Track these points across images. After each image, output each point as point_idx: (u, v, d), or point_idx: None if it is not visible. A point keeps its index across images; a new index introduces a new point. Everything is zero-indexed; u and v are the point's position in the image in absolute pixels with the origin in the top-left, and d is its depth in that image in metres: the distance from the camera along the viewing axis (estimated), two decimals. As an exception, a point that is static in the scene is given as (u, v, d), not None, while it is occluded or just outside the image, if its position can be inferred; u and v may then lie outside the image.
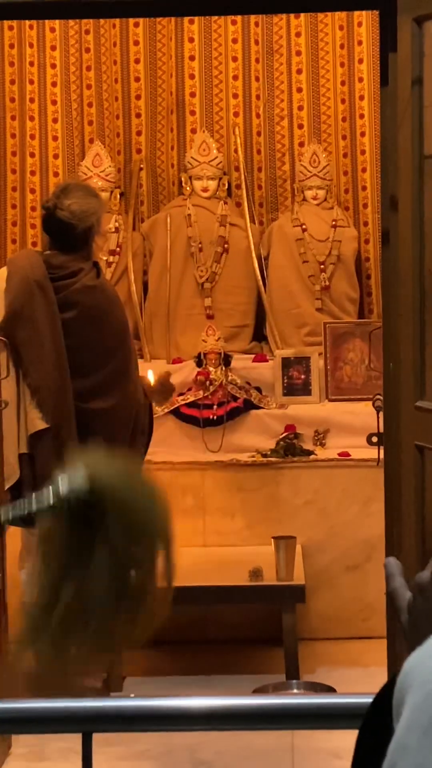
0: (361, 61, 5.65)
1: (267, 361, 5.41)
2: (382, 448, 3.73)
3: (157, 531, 1.41)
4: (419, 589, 0.94)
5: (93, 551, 1.37)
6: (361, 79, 5.66)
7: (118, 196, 5.67)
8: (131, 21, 5.67)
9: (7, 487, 3.91)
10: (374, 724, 0.92)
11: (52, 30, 5.72)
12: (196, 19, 5.64)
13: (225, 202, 5.64)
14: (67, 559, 1.39)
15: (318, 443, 5.08)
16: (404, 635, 0.97)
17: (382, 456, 3.71)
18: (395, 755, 0.78)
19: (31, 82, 5.76)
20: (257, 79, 5.73)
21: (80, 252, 4.07)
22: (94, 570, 1.37)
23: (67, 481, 1.35)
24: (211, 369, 5.23)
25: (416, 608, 0.94)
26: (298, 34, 5.70)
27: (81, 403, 3.99)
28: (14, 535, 4.08)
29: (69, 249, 4.05)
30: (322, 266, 5.57)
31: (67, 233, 4.03)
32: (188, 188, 5.64)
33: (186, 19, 5.62)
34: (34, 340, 3.96)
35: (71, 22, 5.67)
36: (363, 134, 5.67)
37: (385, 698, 0.91)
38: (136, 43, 5.75)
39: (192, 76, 5.74)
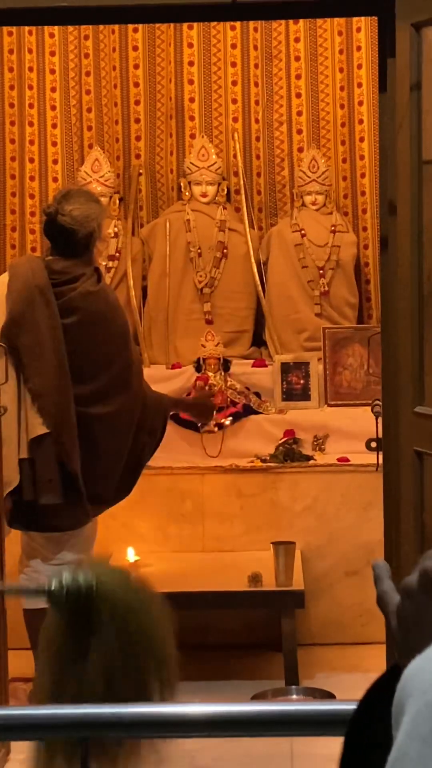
0: (360, 66, 5.66)
1: (266, 366, 5.41)
2: (381, 453, 3.72)
3: (153, 648, 1.53)
4: (406, 593, 0.94)
5: (88, 651, 1.51)
6: (360, 85, 5.67)
7: (117, 201, 5.67)
8: (130, 26, 5.67)
9: (7, 492, 3.91)
10: (361, 723, 0.91)
11: (52, 35, 5.73)
12: (195, 24, 5.65)
13: (224, 207, 5.64)
14: (66, 655, 1.54)
15: (317, 448, 5.08)
16: (394, 640, 0.97)
17: (381, 461, 3.71)
18: (395, 764, 0.77)
19: (31, 87, 5.77)
20: (256, 84, 5.74)
21: (81, 257, 4.07)
22: (90, 669, 1.52)
23: (74, 576, 1.48)
24: (210, 374, 5.22)
25: (405, 613, 0.94)
26: (297, 40, 5.71)
27: (82, 408, 3.99)
28: (14, 540, 4.08)
29: (70, 254, 4.06)
30: (321, 271, 5.57)
31: (69, 239, 4.03)
32: (187, 193, 5.64)
33: (185, 24, 5.63)
34: (36, 345, 3.96)
35: (70, 28, 5.67)
36: (362, 139, 5.67)
37: (374, 697, 0.90)
38: (135, 48, 5.76)
39: (191, 82, 5.75)
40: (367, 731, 0.89)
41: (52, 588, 1.52)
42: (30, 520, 4.01)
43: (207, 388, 5.19)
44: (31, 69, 5.76)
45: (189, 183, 5.64)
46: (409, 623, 0.92)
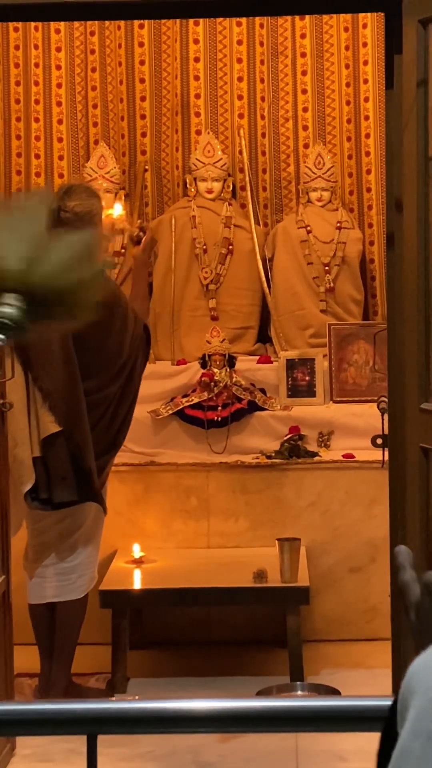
0: (366, 62, 5.65)
1: (271, 362, 5.41)
2: (386, 450, 3.72)
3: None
4: (427, 589, 0.93)
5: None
6: (366, 81, 5.66)
7: (123, 197, 5.67)
8: (136, 23, 5.67)
9: (26, 490, 3.94)
10: (391, 728, 0.91)
11: (57, 31, 5.73)
12: (201, 20, 5.64)
13: (229, 204, 5.64)
14: None
15: (322, 445, 5.08)
16: (411, 634, 0.96)
17: (386, 458, 3.71)
18: (399, 760, 0.77)
19: (36, 83, 5.77)
20: (262, 80, 5.73)
21: (83, 253, 4.07)
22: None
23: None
24: (215, 370, 5.23)
25: (423, 608, 0.93)
26: (303, 36, 5.70)
27: (89, 397, 4.02)
28: (19, 537, 4.08)
29: None
30: (326, 268, 5.56)
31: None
32: (193, 190, 5.64)
33: (191, 20, 5.63)
34: (43, 343, 3.97)
35: (76, 24, 5.67)
36: (368, 136, 5.67)
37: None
38: (141, 44, 5.76)
39: (197, 78, 5.74)
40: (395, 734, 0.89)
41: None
42: (46, 499, 4.02)
43: (212, 384, 5.17)
44: (36, 65, 5.76)
45: (194, 179, 5.64)
46: (427, 619, 0.92)
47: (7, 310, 1.48)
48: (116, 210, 4.62)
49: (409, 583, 0.97)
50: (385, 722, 0.91)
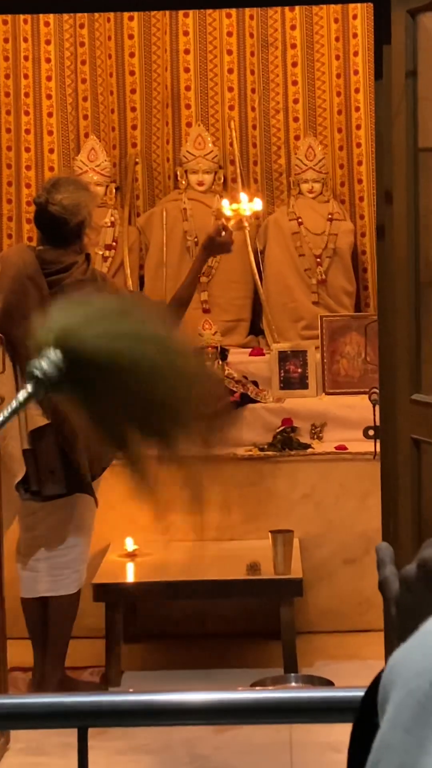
0: (356, 53, 5.64)
1: (264, 355, 5.41)
2: (378, 441, 3.72)
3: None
4: (406, 583, 0.93)
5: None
6: (356, 72, 5.65)
7: (114, 190, 5.67)
8: (126, 15, 5.66)
9: (15, 482, 3.94)
10: (365, 720, 0.91)
11: (47, 24, 5.72)
12: (190, 12, 5.63)
13: (221, 196, 5.63)
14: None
15: (315, 437, 5.08)
16: (392, 629, 0.96)
17: (378, 449, 3.71)
18: (378, 753, 0.77)
19: (26, 76, 5.75)
20: (252, 72, 5.72)
21: (72, 246, 4.06)
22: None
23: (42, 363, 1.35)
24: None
25: (404, 602, 0.93)
26: (293, 27, 5.69)
27: None
28: (12, 531, 4.08)
29: (62, 243, 4.05)
30: (318, 260, 5.56)
31: (60, 228, 4.02)
32: (184, 182, 5.63)
33: (180, 12, 5.61)
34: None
35: (65, 17, 5.65)
36: (359, 127, 5.66)
37: (373, 694, 0.90)
38: (131, 36, 5.74)
39: (187, 70, 5.73)
40: (370, 726, 0.89)
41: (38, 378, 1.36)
42: (37, 491, 4.03)
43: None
44: (26, 58, 5.74)
45: (185, 171, 5.63)
46: (407, 613, 0.92)
47: (44, 364, 1.35)
48: (257, 204, 4.44)
49: (389, 578, 0.97)
50: (357, 714, 0.91)
